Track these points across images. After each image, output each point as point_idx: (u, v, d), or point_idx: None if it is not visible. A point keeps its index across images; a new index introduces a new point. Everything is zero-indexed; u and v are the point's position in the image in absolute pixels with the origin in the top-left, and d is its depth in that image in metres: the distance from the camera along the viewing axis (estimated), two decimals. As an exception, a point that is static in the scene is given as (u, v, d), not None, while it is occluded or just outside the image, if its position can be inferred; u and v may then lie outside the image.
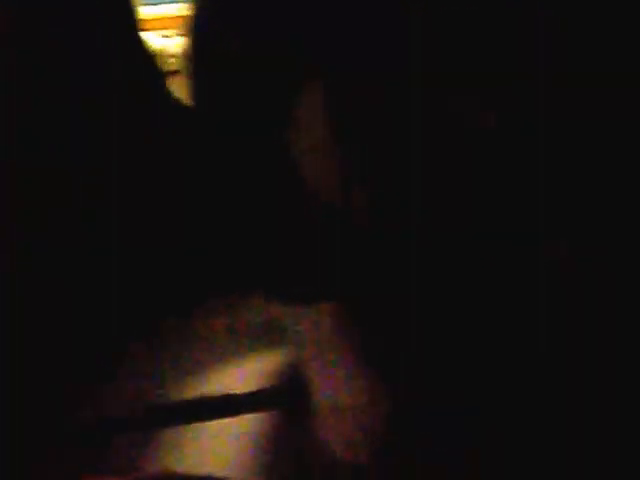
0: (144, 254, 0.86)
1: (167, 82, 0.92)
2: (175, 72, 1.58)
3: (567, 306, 0.59)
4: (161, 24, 1.75)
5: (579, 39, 0.52)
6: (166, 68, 1.52)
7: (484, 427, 0.63)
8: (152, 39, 1.56)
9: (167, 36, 1.68)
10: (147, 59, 0.85)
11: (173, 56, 1.60)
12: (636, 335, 0.59)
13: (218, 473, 0.71)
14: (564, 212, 0.57)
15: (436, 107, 0.53)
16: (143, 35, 1.09)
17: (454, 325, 0.63)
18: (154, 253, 0.86)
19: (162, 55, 1.53)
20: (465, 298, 0.62)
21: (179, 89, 1.38)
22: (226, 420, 0.77)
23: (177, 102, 0.86)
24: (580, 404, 0.61)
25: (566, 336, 0.60)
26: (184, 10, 1.90)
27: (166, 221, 0.83)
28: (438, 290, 0.62)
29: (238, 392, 0.79)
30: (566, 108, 0.53)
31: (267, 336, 0.84)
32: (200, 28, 0.67)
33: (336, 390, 0.70)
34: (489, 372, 0.63)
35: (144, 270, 0.87)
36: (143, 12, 1.64)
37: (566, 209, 0.57)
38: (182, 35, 1.72)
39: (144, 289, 0.86)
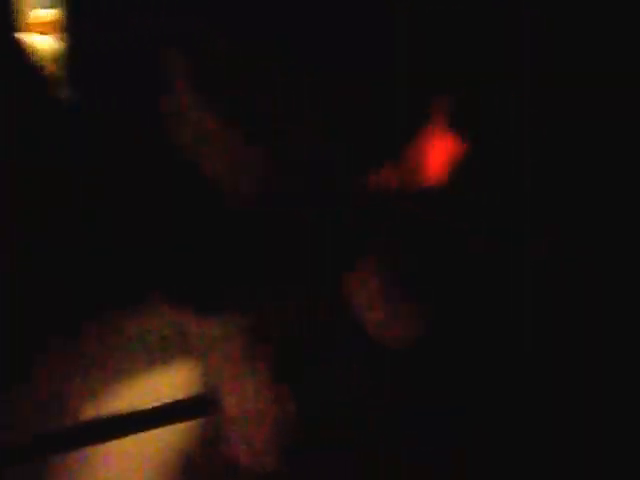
0: (44, 261, 0.82)
1: (52, 83, 0.88)
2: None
3: (552, 306, 0.58)
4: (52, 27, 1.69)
5: (563, 40, 0.51)
6: (53, 69, 1.48)
7: (470, 427, 0.62)
8: (45, 41, 1.51)
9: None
10: (26, 60, 0.80)
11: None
12: (621, 333, 0.59)
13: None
14: (548, 212, 0.56)
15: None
16: (30, 36, 1.04)
17: (440, 326, 0.62)
18: (54, 261, 0.82)
19: (53, 56, 1.48)
20: (452, 298, 0.60)
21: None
22: (136, 436, 0.74)
23: (58, 102, 0.82)
24: (565, 404, 0.61)
25: (551, 336, 0.59)
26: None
27: (59, 223, 0.79)
28: (425, 290, 0.60)
29: (148, 406, 0.76)
30: (550, 108, 0.52)
31: (175, 347, 0.81)
32: (76, 28, 0.63)
33: (244, 398, 0.67)
34: (474, 372, 0.62)
35: (44, 279, 0.83)
36: (37, 14, 1.58)
37: (550, 209, 0.56)
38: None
39: (44, 300, 0.82)
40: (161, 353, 0.80)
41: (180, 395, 0.75)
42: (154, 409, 0.75)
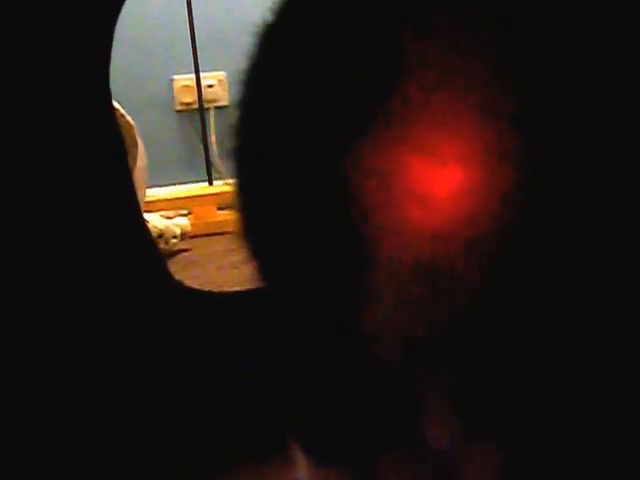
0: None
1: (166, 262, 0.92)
2: (177, 252, 1.59)
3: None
4: (164, 205, 1.77)
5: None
6: (168, 248, 1.55)
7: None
8: (155, 220, 1.59)
9: (169, 217, 1.69)
10: (148, 241, 0.85)
11: (175, 237, 1.62)
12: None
13: None
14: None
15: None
16: (145, 216, 1.10)
17: None
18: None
19: (164, 235, 1.55)
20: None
21: (182, 268, 1.38)
22: None
23: (176, 282, 0.86)
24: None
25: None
26: (187, 192, 1.94)
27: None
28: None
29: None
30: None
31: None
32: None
33: None
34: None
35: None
36: (148, 193, 1.68)
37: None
38: (182, 215, 1.75)
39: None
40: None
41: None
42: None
